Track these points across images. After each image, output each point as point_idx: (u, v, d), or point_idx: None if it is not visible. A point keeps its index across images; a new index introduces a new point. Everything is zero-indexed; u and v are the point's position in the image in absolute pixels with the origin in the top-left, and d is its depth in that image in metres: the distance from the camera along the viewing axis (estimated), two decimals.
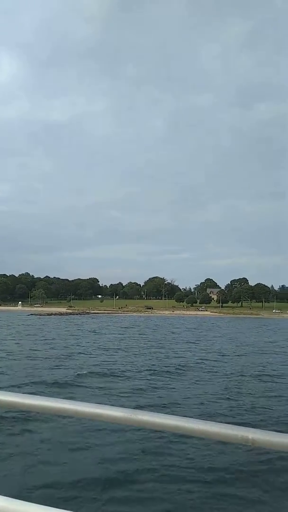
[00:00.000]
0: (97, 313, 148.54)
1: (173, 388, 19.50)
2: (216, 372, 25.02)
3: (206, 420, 1.35)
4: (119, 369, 24.89)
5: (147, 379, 21.54)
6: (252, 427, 1.32)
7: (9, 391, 1.47)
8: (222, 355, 34.22)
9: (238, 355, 34.81)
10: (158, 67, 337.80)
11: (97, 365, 26.18)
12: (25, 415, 13.01)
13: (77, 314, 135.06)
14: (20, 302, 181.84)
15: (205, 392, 18.64)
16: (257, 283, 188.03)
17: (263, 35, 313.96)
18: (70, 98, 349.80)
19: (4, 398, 1.46)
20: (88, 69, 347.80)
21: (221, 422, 1.31)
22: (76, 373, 22.28)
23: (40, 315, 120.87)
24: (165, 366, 26.43)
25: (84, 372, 22.97)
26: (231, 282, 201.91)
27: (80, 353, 32.63)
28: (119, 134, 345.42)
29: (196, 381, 21.57)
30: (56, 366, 25.26)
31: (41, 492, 8.30)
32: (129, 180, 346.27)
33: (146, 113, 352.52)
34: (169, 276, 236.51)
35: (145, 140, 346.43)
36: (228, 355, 34.51)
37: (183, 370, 25.37)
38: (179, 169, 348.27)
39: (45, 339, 44.79)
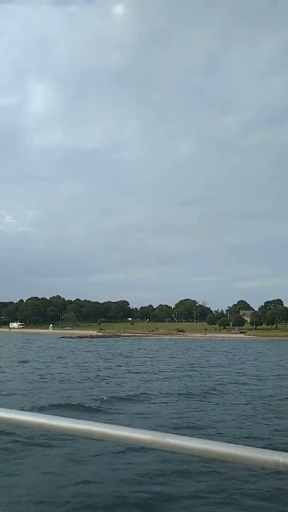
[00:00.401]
0: (128, 336, 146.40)
1: (212, 410, 18.04)
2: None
3: (235, 443, 1.32)
4: (157, 391, 23.27)
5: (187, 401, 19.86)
6: (284, 451, 1.28)
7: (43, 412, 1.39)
8: (259, 379, 31.89)
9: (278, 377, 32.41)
10: (186, 93, 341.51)
11: (132, 388, 24.50)
12: (46, 438, 12.52)
13: (107, 337, 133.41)
14: (51, 325, 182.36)
15: (241, 414, 17.60)
16: None
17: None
18: (101, 125, 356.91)
19: (31, 419, 1.47)
20: (118, 96, 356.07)
21: (251, 445, 1.27)
22: (109, 396, 20.82)
23: (71, 337, 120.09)
24: (203, 389, 24.60)
25: (118, 395, 21.41)
26: (265, 303, 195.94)
27: (115, 375, 31.16)
28: (148, 159, 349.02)
29: (232, 403, 20.11)
30: (90, 388, 23.92)
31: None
32: (159, 203, 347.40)
33: (175, 138, 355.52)
34: (199, 299, 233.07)
35: (174, 164, 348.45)
36: (266, 378, 32.14)
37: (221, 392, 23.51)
38: (208, 191, 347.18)
39: (77, 363, 43.43)
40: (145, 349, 75.44)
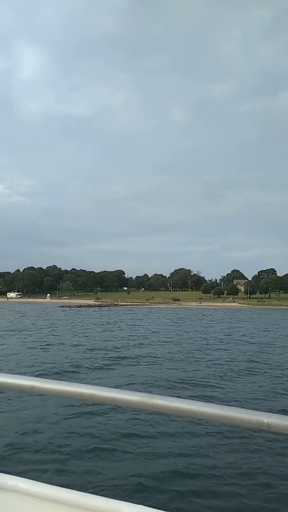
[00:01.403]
0: (125, 305, 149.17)
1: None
2: None
3: (221, 404, 1.34)
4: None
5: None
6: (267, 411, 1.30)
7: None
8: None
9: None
10: (181, 57, 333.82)
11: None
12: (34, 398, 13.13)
13: (105, 306, 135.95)
14: (48, 295, 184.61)
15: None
16: (286, 274, 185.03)
17: (285, 22, 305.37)
18: (94, 90, 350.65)
19: (24, 382, 1.48)
20: (113, 61, 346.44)
21: (236, 406, 1.20)
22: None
23: (70, 307, 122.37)
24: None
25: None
26: (258, 273, 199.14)
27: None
28: (142, 126, 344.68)
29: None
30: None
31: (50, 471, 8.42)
32: (153, 172, 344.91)
33: (169, 104, 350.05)
34: (194, 268, 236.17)
35: (168, 132, 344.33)
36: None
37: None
38: (202, 160, 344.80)
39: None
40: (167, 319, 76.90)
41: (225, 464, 9.05)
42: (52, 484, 1.52)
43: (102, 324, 57.41)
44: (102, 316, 79.14)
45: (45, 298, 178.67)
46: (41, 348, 28.40)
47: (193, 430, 11.05)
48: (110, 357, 24.81)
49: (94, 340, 35.68)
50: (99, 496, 1.50)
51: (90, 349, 28.50)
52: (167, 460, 9.22)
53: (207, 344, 34.65)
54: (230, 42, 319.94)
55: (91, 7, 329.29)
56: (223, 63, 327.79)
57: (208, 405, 1.33)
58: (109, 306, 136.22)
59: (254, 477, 8.50)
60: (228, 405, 1.33)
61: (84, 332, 43.34)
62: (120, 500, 1.45)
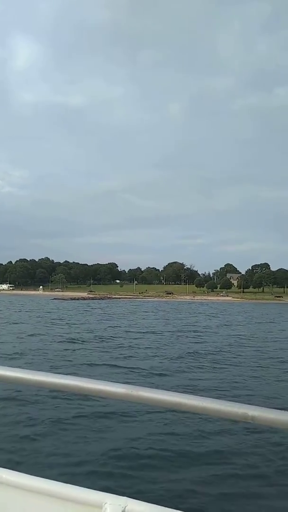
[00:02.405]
0: (119, 298, 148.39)
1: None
2: None
3: (207, 397, 1.34)
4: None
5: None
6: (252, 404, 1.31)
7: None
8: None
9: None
10: (178, 52, 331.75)
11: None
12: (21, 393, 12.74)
13: (99, 299, 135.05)
14: (41, 287, 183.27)
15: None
16: (279, 268, 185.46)
17: (283, 18, 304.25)
18: (91, 83, 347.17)
19: (9, 373, 1.47)
20: (108, 54, 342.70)
21: (222, 399, 1.30)
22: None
23: (64, 299, 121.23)
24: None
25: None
26: (252, 267, 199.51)
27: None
28: (138, 120, 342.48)
29: None
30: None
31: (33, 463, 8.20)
32: (148, 166, 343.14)
33: (166, 99, 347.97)
34: (187, 262, 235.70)
35: (164, 126, 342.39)
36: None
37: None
38: (198, 155, 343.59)
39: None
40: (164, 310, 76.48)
41: (209, 454, 9.05)
42: (34, 475, 1.50)
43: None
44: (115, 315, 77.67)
45: (38, 290, 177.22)
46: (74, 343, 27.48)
47: (178, 422, 10.93)
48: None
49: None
50: (82, 488, 1.49)
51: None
52: (150, 452, 9.07)
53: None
54: (228, 36, 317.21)
55: (89, 2, 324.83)
56: (220, 57, 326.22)
57: (193, 397, 1.34)
58: (102, 299, 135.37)
59: (234, 466, 8.50)
60: (213, 397, 1.34)
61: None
62: (104, 492, 1.44)
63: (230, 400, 1.35)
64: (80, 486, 1.48)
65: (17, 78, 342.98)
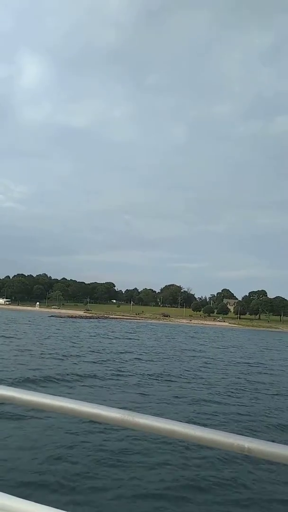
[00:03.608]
0: (116, 318, 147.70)
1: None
2: None
3: (203, 426, 1.34)
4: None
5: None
6: (249, 436, 1.31)
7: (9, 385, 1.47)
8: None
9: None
10: (181, 76, 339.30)
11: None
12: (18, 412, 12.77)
13: (96, 318, 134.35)
14: (37, 303, 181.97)
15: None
16: (277, 296, 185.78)
17: (285, 48, 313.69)
18: (93, 103, 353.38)
19: (3, 392, 1.45)
20: (112, 75, 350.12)
21: (218, 429, 1.31)
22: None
23: (61, 317, 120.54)
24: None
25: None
26: (249, 293, 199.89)
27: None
28: (139, 141, 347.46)
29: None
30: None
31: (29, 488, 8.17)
32: (147, 187, 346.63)
33: (166, 122, 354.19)
34: (183, 284, 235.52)
35: (165, 148, 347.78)
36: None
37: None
38: (197, 178, 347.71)
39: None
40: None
41: (202, 485, 9.04)
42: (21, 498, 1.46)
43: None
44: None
45: (34, 306, 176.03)
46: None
47: (173, 450, 10.91)
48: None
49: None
50: None
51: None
52: (140, 480, 9.04)
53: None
54: (230, 64, 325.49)
55: (95, 21, 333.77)
56: (222, 84, 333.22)
57: (190, 426, 1.33)
58: (99, 318, 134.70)
59: (227, 496, 8.55)
60: (210, 428, 1.34)
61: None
62: None
63: (227, 431, 1.34)
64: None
65: (22, 95, 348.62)
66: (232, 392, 21.37)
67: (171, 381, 23.27)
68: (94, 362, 28.52)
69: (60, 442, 11.02)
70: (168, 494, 8.52)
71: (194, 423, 14.40)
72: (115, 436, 11.70)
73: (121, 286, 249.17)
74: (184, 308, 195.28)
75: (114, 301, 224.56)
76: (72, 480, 8.82)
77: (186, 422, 1.35)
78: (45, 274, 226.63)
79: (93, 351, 35.96)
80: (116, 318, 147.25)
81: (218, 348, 55.28)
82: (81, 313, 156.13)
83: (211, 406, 17.47)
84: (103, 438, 11.56)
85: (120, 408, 1.41)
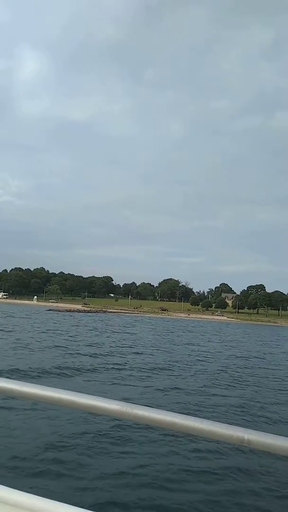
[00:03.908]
0: (114, 312, 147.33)
1: None
2: None
3: (202, 418, 1.34)
4: None
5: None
6: (249, 428, 1.31)
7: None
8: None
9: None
10: (179, 72, 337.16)
11: None
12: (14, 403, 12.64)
13: (94, 312, 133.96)
14: (35, 297, 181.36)
15: None
16: (275, 291, 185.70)
17: (285, 44, 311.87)
18: (91, 98, 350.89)
19: (3, 384, 1.45)
20: (111, 70, 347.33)
21: (218, 421, 1.31)
22: None
23: (59, 311, 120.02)
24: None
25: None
26: (247, 288, 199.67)
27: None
28: (137, 136, 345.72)
29: None
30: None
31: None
32: (146, 182, 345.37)
33: (165, 117, 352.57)
34: (182, 279, 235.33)
35: (163, 143, 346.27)
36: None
37: None
38: (195, 173, 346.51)
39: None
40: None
41: (201, 477, 8.98)
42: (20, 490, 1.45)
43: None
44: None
45: (32, 300, 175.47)
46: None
47: (172, 442, 10.84)
48: None
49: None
50: (72, 506, 1.43)
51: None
52: (140, 471, 8.98)
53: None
54: (230, 60, 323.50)
55: (93, 15, 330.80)
56: (221, 80, 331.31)
57: (188, 418, 1.32)
58: (97, 313, 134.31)
59: (226, 487, 8.49)
60: (209, 420, 1.33)
61: None
62: (87, 509, 1.41)
63: (226, 423, 1.34)
64: (69, 504, 1.43)
65: (21, 88, 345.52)
66: (230, 385, 21.32)
67: (171, 374, 22.89)
68: (92, 355, 28.04)
69: (59, 433, 10.88)
70: (167, 485, 8.45)
71: (194, 414, 13.74)
72: (114, 427, 11.56)
73: (119, 280, 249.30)
74: (182, 303, 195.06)
75: (112, 295, 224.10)
76: (70, 470, 8.74)
77: (186, 414, 1.35)
78: (42, 268, 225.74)
79: (91, 345, 35.48)
80: (114, 312, 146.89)
81: (218, 342, 54.84)
82: (79, 307, 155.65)
83: (209, 397, 17.47)
84: (102, 428, 11.42)
85: (119, 400, 1.41)
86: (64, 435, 10.78)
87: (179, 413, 1.35)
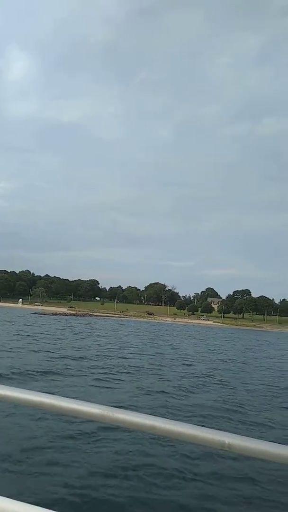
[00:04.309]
0: (100, 315, 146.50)
1: None
2: None
3: (184, 422, 1.33)
4: None
5: None
6: (230, 432, 1.29)
7: None
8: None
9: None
10: (171, 76, 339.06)
11: None
12: None
13: (80, 316, 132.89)
14: (20, 300, 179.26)
15: None
16: (260, 296, 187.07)
17: (274, 51, 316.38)
18: (81, 100, 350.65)
19: None
20: (102, 73, 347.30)
21: (199, 425, 1.26)
22: None
23: (45, 314, 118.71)
24: None
25: None
26: (233, 292, 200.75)
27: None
28: (127, 139, 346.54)
29: None
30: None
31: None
32: (134, 185, 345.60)
33: (155, 121, 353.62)
34: (168, 283, 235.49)
35: (153, 147, 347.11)
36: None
37: None
38: (184, 177, 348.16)
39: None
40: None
41: (180, 480, 8.87)
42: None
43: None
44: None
45: (17, 303, 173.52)
46: None
47: (152, 446, 10.66)
48: None
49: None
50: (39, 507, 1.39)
51: None
52: (120, 475, 8.80)
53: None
54: (219, 66, 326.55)
55: (84, 17, 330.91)
56: (211, 85, 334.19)
57: (170, 422, 1.32)
58: (83, 316, 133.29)
59: (205, 491, 8.40)
60: (190, 423, 1.32)
61: None
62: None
63: (208, 427, 1.32)
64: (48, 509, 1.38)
65: (9, 89, 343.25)
66: (212, 388, 21.19)
67: (157, 377, 22.57)
68: (77, 359, 27.55)
69: (35, 436, 10.60)
70: (143, 487, 8.34)
71: (175, 416, 13.38)
72: (94, 429, 11.29)
73: (105, 283, 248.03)
74: (168, 307, 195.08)
75: (98, 298, 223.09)
76: (42, 471, 8.53)
77: (167, 418, 1.33)
78: (28, 270, 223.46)
79: (78, 348, 35.00)
80: (101, 315, 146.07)
81: (204, 346, 54.80)
82: (65, 310, 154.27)
83: (188, 399, 17.41)
84: (82, 429, 11.19)
85: (100, 403, 1.38)
86: (41, 437, 10.53)
87: (161, 416, 1.33)
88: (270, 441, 1.29)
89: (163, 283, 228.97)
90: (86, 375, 21.08)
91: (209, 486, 8.66)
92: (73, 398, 1.38)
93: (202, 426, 1.31)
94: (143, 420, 1.32)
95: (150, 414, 1.36)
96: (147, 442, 10.79)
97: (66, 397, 1.41)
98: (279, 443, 1.28)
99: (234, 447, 1.26)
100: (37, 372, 20.27)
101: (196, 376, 24.73)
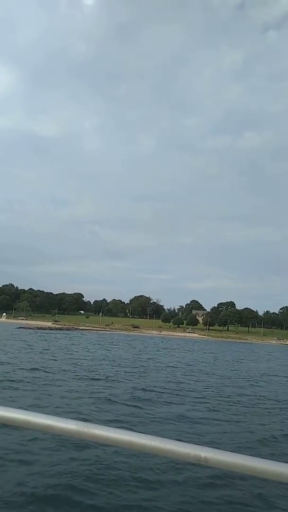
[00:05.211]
0: (86, 329, 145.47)
1: None
2: None
3: (160, 437, 1.33)
4: None
5: None
6: (206, 446, 1.30)
7: None
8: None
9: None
10: (151, 88, 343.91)
11: None
12: None
13: (65, 329, 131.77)
14: (4, 314, 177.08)
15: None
16: (245, 308, 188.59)
17: (255, 66, 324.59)
18: (60, 114, 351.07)
19: None
20: (80, 87, 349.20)
21: (175, 439, 1.30)
22: None
23: (30, 328, 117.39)
24: None
25: None
26: (218, 305, 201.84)
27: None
28: (107, 151, 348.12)
29: None
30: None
31: None
32: (115, 197, 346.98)
33: (137, 132, 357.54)
34: (152, 295, 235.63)
35: (134, 159, 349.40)
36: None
37: None
38: (165, 190, 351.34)
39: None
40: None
41: (156, 494, 8.87)
42: None
43: None
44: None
45: (1, 317, 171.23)
46: None
47: (130, 461, 10.57)
48: None
49: None
50: None
51: None
52: (95, 493, 8.69)
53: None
54: (201, 79, 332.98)
55: (64, 32, 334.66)
56: (192, 98, 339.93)
57: (146, 436, 1.32)
58: (68, 330, 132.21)
59: (182, 506, 8.39)
60: (167, 438, 1.33)
61: None
62: None
63: (184, 441, 1.33)
64: None
65: None
66: (194, 401, 20.91)
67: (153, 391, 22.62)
68: (66, 371, 27.44)
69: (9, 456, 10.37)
70: (118, 502, 8.33)
71: (155, 433, 13.53)
72: (66, 448, 11.22)
73: (90, 297, 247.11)
74: (153, 320, 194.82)
75: (82, 312, 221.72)
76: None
77: (143, 433, 1.34)
78: (11, 284, 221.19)
79: (68, 363, 34.85)
80: (86, 329, 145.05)
81: (190, 359, 54.99)
82: (49, 324, 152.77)
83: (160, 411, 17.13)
84: (52, 449, 11.01)
85: (76, 419, 1.36)
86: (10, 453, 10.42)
87: (137, 432, 1.33)
88: (247, 454, 1.31)
89: (147, 296, 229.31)
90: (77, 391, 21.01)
91: (186, 497, 8.77)
92: (48, 414, 1.37)
93: (178, 440, 1.31)
94: (119, 436, 1.32)
95: (127, 429, 1.35)
96: (122, 456, 10.75)
97: (41, 412, 1.38)
98: (255, 456, 1.29)
99: (210, 461, 1.27)
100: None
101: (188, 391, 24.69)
